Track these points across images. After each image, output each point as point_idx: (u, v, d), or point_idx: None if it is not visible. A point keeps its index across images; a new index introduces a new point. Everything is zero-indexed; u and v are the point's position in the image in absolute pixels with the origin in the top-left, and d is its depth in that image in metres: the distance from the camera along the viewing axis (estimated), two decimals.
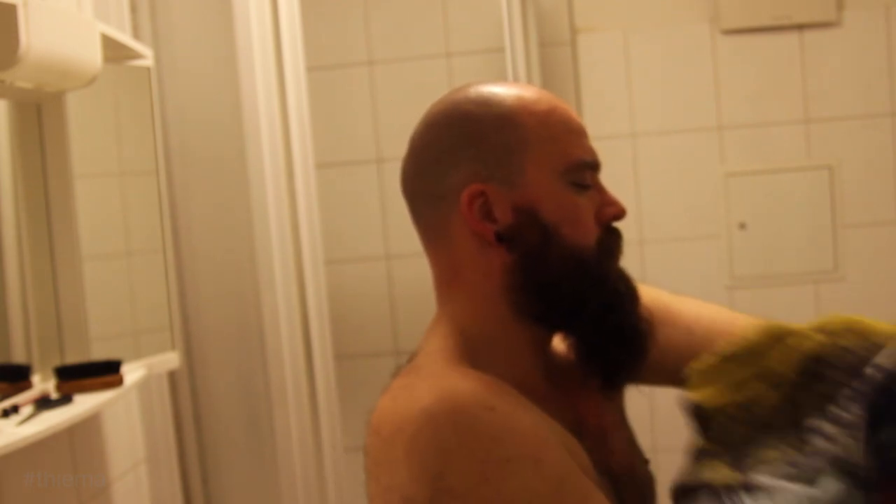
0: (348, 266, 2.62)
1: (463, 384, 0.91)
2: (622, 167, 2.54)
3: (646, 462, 1.09)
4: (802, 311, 2.57)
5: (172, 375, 2.04)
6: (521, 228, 0.97)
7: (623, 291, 1.00)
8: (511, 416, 0.89)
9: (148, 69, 1.75)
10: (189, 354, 2.09)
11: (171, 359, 1.78)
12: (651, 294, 1.09)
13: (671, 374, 1.08)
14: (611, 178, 2.69)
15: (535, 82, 2.39)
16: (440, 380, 0.92)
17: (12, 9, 1.27)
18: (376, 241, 2.61)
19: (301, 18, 2.02)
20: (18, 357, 1.53)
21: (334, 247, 2.54)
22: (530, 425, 0.90)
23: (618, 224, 1.02)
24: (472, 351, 0.98)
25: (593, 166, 1.02)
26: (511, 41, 2.35)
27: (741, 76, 2.56)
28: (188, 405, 2.11)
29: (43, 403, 1.43)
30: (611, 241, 1.01)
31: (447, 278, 1.03)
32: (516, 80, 2.35)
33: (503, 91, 1.01)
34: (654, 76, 2.58)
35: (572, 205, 0.98)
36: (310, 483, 2.00)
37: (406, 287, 2.60)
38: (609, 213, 1.00)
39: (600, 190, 1.02)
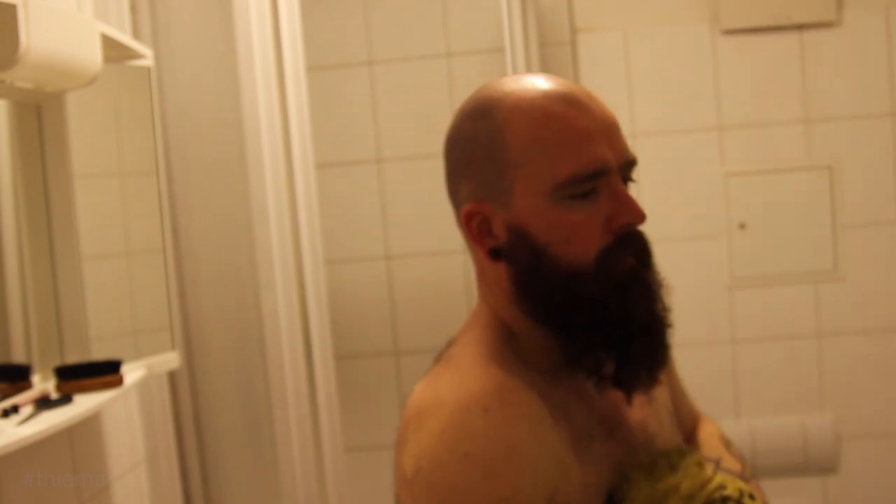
0: (348, 266, 2.62)
1: (476, 384, 0.95)
2: None
3: None
4: (802, 311, 2.57)
5: (172, 375, 2.04)
6: (514, 247, 0.99)
7: (633, 304, 0.98)
8: (499, 422, 0.92)
9: (148, 69, 1.75)
10: (189, 354, 2.09)
11: (171, 359, 1.78)
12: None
13: None
14: None
15: None
16: (461, 377, 0.97)
17: (12, 9, 1.27)
18: (376, 241, 2.62)
19: (301, 18, 2.02)
20: (18, 357, 1.53)
21: (334, 247, 2.54)
22: (513, 438, 0.92)
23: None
24: (509, 338, 1.02)
25: (595, 175, 0.96)
26: (511, 41, 2.35)
27: (741, 76, 2.56)
28: (188, 405, 2.11)
29: (43, 403, 1.43)
30: (618, 252, 0.98)
31: (479, 274, 1.07)
32: None
33: (503, 96, 1.00)
34: (654, 76, 2.58)
35: (564, 223, 0.97)
36: (310, 483, 2.00)
37: (406, 287, 2.60)
38: (618, 222, 0.98)
39: (614, 195, 0.98)
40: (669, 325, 1.01)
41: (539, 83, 1.00)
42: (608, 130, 0.98)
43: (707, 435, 1.21)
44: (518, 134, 0.97)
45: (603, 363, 0.99)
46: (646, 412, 1.08)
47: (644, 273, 0.99)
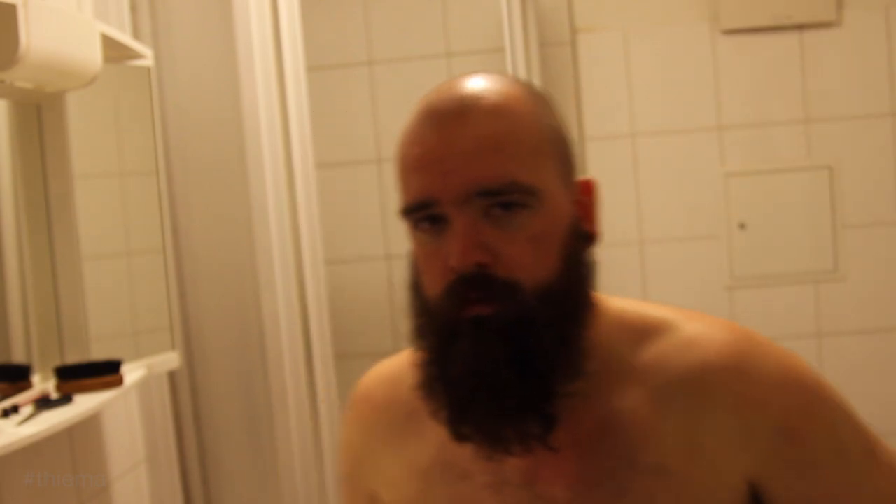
0: (348, 266, 2.62)
1: (362, 381, 1.07)
2: (622, 167, 2.54)
3: None
4: (802, 311, 2.57)
5: (172, 375, 2.04)
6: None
7: (453, 354, 0.86)
8: (348, 420, 1.07)
9: (148, 69, 1.75)
10: (189, 354, 2.09)
11: (171, 359, 1.78)
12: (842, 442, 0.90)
13: None
14: (611, 178, 2.72)
15: (535, 82, 2.39)
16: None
17: (12, 9, 1.27)
18: (376, 241, 2.62)
19: (301, 18, 2.02)
20: (18, 357, 1.53)
21: (334, 247, 2.54)
22: (350, 436, 1.07)
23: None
24: None
25: (419, 207, 0.87)
26: (511, 41, 2.35)
27: (741, 76, 2.56)
28: (188, 405, 2.11)
29: (43, 403, 1.43)
30: (456, 295, 0.86)
31: None
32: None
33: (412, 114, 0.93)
34: (654, 76, 2.58)
35: (418, 253, 0.90)
36: (310, 483, 2.00)
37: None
38: (448, 263, 0.86)
39: (454, 234, 0.85)
40: (527, 389, 0.85)
41: (437, 90, 0.92)
42: (446, 158, 0.86)
43: None
44: (397, 152, 0.91)
45: (434, 405, 0.89)
46: (584, 495, 0.89)
47: (492, 324, 0.85)
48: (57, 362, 1.55)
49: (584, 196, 0.93)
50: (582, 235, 0.91)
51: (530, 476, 0.91)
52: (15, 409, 1.40)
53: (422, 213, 0.87)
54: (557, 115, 0.93)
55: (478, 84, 0.90)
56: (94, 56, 1.48)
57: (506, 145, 0.86)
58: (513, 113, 0.88)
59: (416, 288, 0.91)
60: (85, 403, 1.46)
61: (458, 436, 0.88)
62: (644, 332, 0.92)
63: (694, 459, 0.87)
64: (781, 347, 0.94)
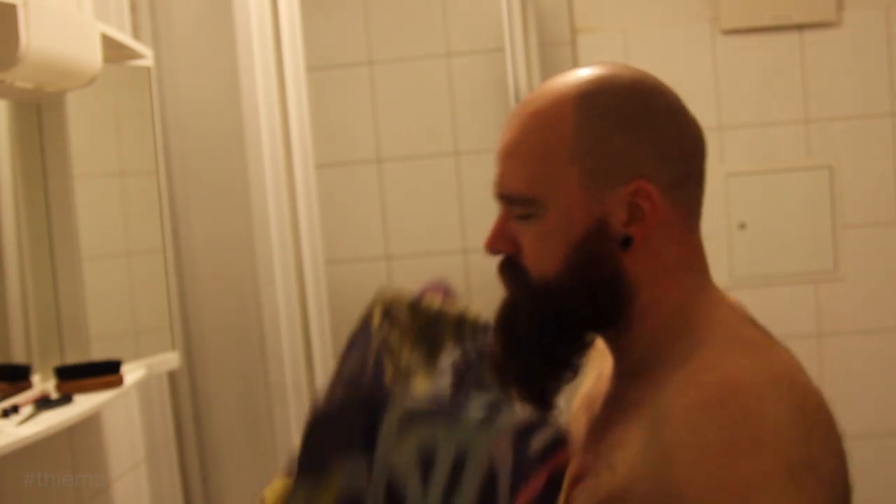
0: (348, 266, 2.62)
1: None
2: None
3: None
4: (802, 311, 2.57)
5: (172, 375, 2.04)
6: None
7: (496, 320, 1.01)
8: None
9: (148, 69, 1.75)
10: (189, 354, 2.09)
11: (171, 359, 1.78)
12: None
13: None
14: None
15: (535, 82, 2.39)
16: None
17: (12, 9, 1.27)
18: (376, 241, 2.61)
19: (301, 18, 2.02)
20: (18, 357, 1.53)
21: (334, 247, 2.54)
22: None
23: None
24: None
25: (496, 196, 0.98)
26: (511, 41, 2.35)
27: (741, 76, 2.56)
28: (188, 405, 2.11)
29: (43, 403, 1.43)
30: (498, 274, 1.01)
31: None
32: (516, 80, 2.36)
33: None
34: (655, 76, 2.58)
35: None
36: None
37: (406, 287, 2.60)
38: None
39: None
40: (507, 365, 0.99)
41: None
42: (498, 155, 0.97)
43: None
44: None
45: None
46: (595, 444, 0.97)
47: (508, 303, 0.99)
48: (57, 362, 1.55)
49: (639, 199, 0.93)
50: (612, 237, 0.93)
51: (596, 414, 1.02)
52: (15, 409, 1.40)
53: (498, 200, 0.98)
54: (618, 118, 0.99)
55: (542, 87, 0.98)
56: (94, 56, 1.48)
57: (516, 155, 0.94)
58: (539, 121, 0.94)
59: None
60: (85, 403, 1.46)
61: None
62: (691, 352, 0.96)
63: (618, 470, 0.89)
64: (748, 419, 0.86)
